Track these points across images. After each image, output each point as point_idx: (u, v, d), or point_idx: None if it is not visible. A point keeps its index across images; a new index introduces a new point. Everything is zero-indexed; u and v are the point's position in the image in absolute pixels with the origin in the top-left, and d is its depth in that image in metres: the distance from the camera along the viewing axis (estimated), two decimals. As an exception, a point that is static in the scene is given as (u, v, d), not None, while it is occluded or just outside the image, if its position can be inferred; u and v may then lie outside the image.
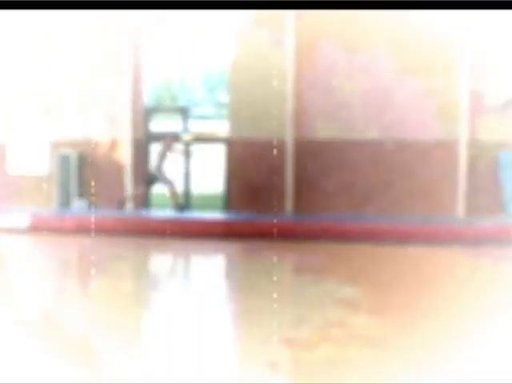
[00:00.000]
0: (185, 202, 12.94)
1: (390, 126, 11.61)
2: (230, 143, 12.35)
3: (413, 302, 4.91)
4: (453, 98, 11.50)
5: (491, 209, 11.33)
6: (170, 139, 12.05)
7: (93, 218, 9.91)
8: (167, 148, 11.98)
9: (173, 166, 12.32)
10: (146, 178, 12.22)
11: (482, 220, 10.34)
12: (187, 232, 9.86)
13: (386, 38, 11.58)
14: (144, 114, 12.95)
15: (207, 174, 14.96)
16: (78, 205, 12.03)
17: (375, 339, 3.58)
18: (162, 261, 7.70)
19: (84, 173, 12.39)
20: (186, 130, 13.12)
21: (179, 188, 12.34)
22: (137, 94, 12.56)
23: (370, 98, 11.61)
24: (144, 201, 12.73)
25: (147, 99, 13.68)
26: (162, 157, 11.93)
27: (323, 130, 11.81)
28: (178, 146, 12.36)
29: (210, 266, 7.16)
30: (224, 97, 12.11)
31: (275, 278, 5.53)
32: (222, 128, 13.06)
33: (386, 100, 11.58)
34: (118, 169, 12.39)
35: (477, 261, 7.71)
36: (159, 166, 11.90)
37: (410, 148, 11.62)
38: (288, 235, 9.46)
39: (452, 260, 7.84)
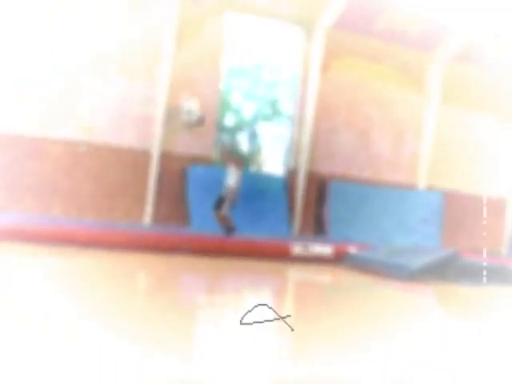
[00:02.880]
0: None
1: (85, 129, 11.44)
2: None
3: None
4: (149, 110, 11.82)
5: (177, 218, 11.92)
6: None
7: None
8: None
9: None
10: None
11: (166, 229, 10.75)
12: None
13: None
14: None
15: None
16: None
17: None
18: None
19: None
20: None
21: None
22: None
23: (68, 95, 11.31)
24: None
25: None
26: None
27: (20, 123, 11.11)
28: None
29: None
30: None
31: None
32: None
33: (81, 101, 11.39)
34: None
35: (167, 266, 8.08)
36: None
37: (103, 152, 11.57)
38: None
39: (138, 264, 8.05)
